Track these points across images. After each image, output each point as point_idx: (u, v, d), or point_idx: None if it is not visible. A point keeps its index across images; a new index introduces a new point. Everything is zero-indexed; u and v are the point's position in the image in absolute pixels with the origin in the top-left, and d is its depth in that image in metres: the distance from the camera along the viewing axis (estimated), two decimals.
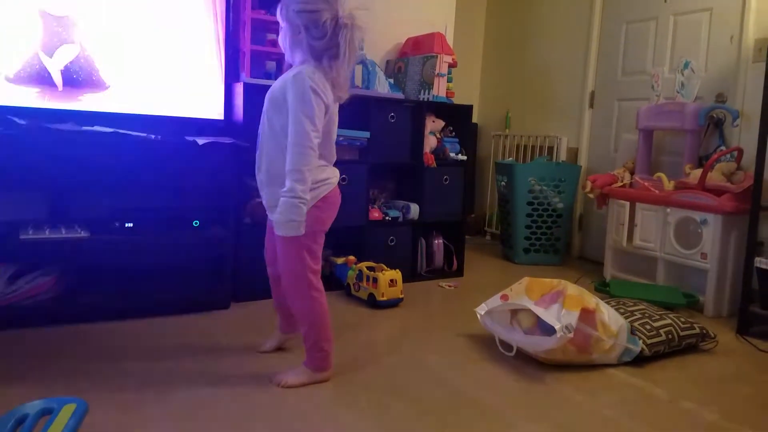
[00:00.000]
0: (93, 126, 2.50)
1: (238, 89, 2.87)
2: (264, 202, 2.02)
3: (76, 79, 2.57)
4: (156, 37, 2.71)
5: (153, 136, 2.54)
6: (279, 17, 1.94)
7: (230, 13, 2.89)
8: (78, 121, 2.52)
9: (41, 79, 2.51)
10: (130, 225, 2.58)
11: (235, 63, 2.95)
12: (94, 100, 2.61)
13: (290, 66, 1.98)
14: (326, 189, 1.95)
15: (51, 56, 2.51)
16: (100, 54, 2.60)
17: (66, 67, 2.55)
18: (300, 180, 1.81)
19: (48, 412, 1.27)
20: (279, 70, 3.06)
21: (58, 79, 2.53)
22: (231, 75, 2.92)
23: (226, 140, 2.68)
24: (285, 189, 1.82)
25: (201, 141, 2.59)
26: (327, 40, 1.87)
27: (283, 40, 1.95)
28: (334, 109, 1.97)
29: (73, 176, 2.55)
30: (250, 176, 2.90)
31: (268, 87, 2.80)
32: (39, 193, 2.69)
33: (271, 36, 3.00)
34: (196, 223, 2.72)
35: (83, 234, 2.45)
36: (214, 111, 2.87)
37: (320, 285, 1.99)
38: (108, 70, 2.63)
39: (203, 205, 2.81)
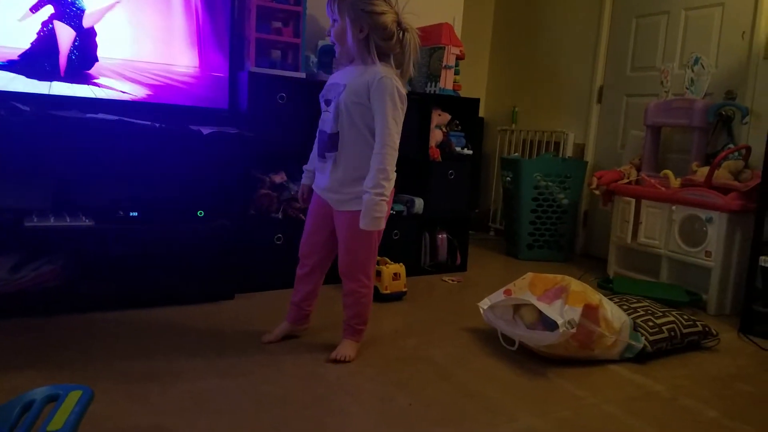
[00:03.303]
0: (97, 113, 2.50)
1: (243, 78, 2.86)
2: (329, 195, 2.08)
3: (81, 64, 2.56)
4: (163, 25, 2.70)
5: (157, 125, 2.53)
6: (334, 12, 1.98)
7: (235, 0, 2.88)
8: (82, 108, 2.52)
9: (46, 64, 2.50)
10: (135, 214, 2.58)
11: (240, 51, 2.93)
12: (98, 86, 2.61)
13: (343, 57, 2.04)
14: (393, 183, 2.02)
15: (57, 40, 2.50)
16: (105, 39, 2.60)
17: (71, 51, 2.54)
18: (388, 179, 1.94)
19: (54, 399, 1.27)
20: (284, 59, 3.04)
21: (63, 63, 2.53)
22: (236, 64, 2.90)
23: (231, 130, 2.68)
24: (371, 186, 1.92)
25: (206, 131, 2.58)
26: (394, 43, 1.98)
27: (340, 36, 1.99)
28: None
29: (78, 164, 2.55)
30: (255, 167, 2.93)
31: (273, 76, 2.87)
32: (43, 180, 2.69)
33: (276, 24, 2.97)
34: (200, 213, 2.71)
35: (88, 222, 2.44)
36: (219, 100, 2.86)
37: None
38: (112, 55, 2.62)
39: (208, 195, 2.80)
